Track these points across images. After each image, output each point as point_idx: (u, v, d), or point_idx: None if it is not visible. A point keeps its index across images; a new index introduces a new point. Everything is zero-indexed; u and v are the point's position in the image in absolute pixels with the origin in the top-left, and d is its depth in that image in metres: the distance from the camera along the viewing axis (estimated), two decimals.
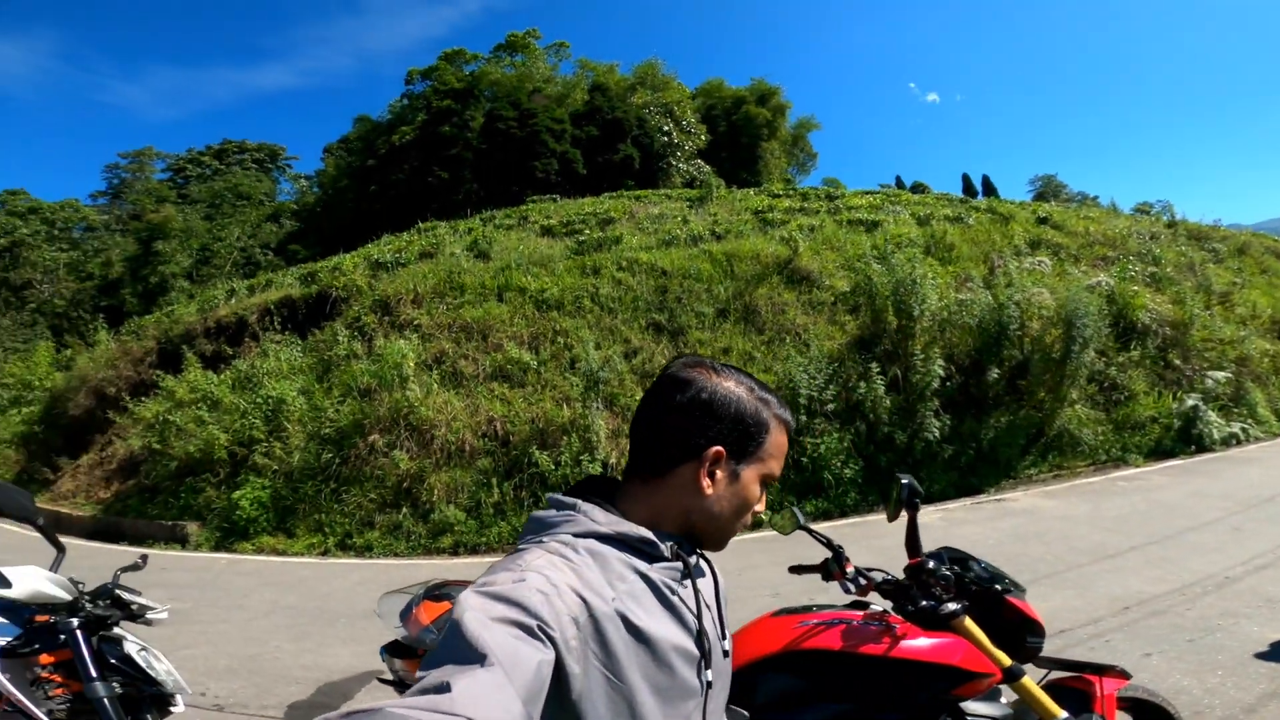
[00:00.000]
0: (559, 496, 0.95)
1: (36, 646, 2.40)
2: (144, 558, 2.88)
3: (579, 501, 0.92)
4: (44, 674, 2.39)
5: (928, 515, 7.78)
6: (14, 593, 2.29)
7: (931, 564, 1.84)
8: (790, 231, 12.84)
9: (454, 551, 8.11)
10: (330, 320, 11.88)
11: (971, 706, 1.75)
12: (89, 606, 2.39)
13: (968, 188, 46.02)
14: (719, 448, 0.93)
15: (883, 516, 8.33)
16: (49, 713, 2.31)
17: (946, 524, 7.42)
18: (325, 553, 8.58)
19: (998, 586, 1.88)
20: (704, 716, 0.92)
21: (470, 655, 0.63)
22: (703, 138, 31.48)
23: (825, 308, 10.97)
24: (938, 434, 8.88)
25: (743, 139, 34.86)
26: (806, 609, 1.88)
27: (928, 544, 1.98)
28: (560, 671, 0.72)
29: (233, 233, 26.21)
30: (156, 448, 11.07)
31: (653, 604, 0.87)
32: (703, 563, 1.04)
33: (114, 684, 2.32)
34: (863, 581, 1.86)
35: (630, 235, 13.84)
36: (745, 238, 13.15)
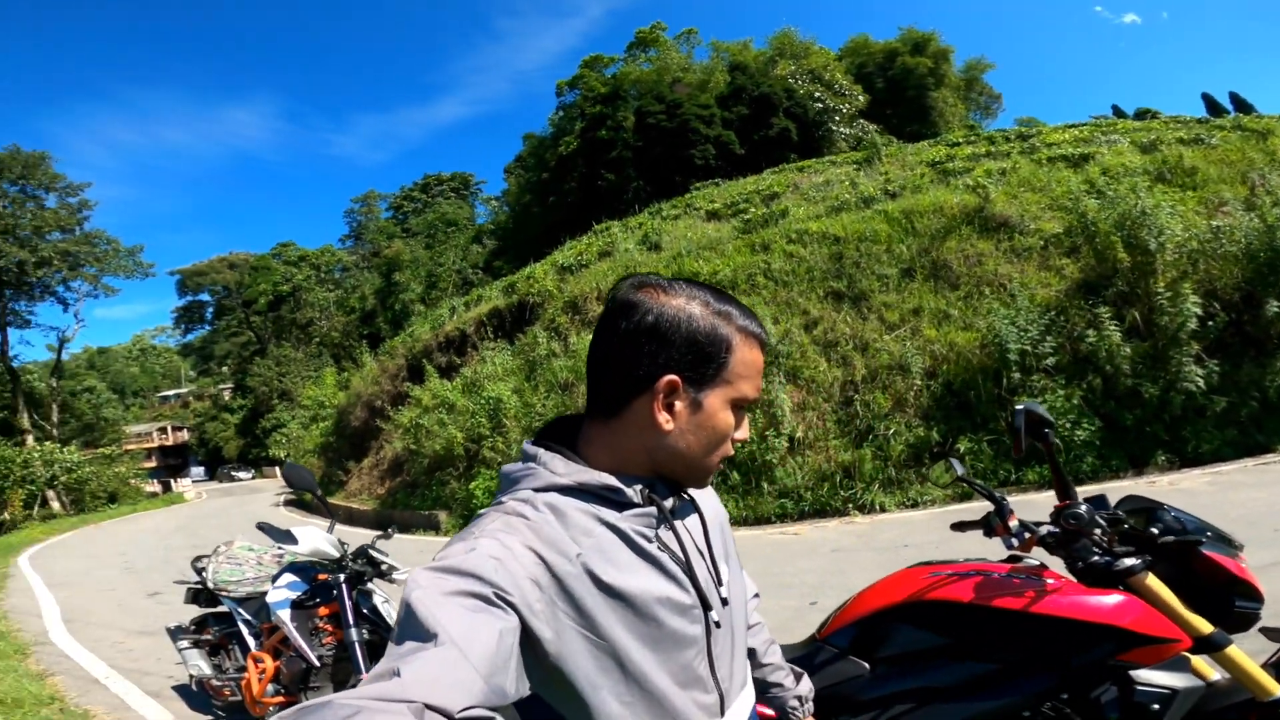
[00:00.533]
0: (526, 446, 0.88)
1: (318, 600, 3.09)
2: (392, 529, 3.53)
3: (540, 452, 0.85)
4: (320, 624, 3.06)
5: (1192, 479, 6.54)
6: (300, 548, 2.99)
7: (1083, 509, 1.58)
8: (976, 178, 11.53)
9: None
10: (530, 325, 13.25)
11: (1144, 675, 1.50)
12: (351, 564, 3.03)
13: (1212, 107, 37.31)
14: (671, 376, 0.81)
15: (1130, 482, 7.23)
16: (319, 657, 2.96)
17: (1215, 488, 6.17)
18: None
19: (1193, 539, 1.55)
20: (710, 662, 0.87)
21: (422, 635, 0.61)
22: (860, 98, 29.63)
23: (1033, 254, 9.68)
24: (1202, 383, 7.39)
25: (907, 92, 32.34)
26: (950, 561, 1.72)
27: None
28: (529, 636, 0.70)
29: (449, 257, 30.23)
30: (412, 448, 13.26)
31: (626, 556, 0.80)
32: (691, 501, 0.95)
33: (364, 631, 2.91)
34: (1026, 535, 1.62)
35: (796, 207, 13.57)
36: (924, 192, 12.14)
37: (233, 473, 44.14)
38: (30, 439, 28.17)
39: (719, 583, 0.92)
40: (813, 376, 9.13)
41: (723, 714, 0.89)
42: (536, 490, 0.81)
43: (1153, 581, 1.50)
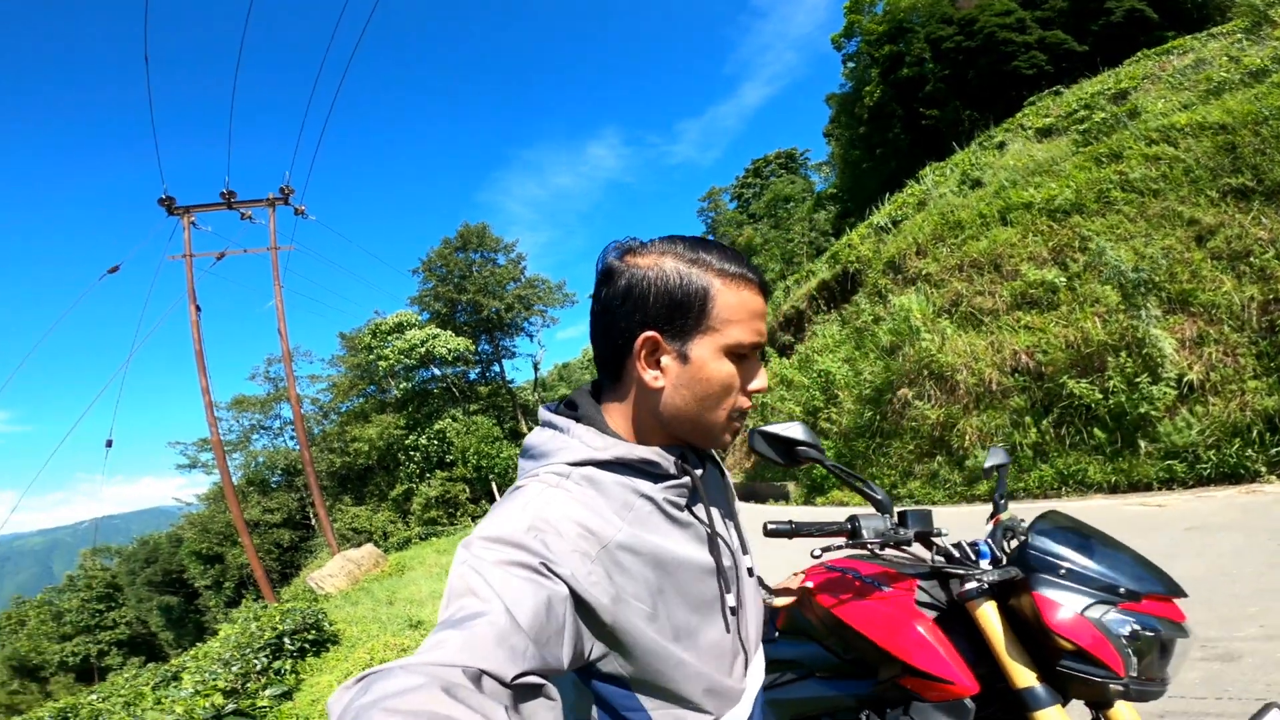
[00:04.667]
0: (550, 416, 0.87)
1: None
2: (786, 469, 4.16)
3: (571, 424, 0.84)
4: None
5: None
6: None
7: (943, 535, 1.42)
8: None
9: (988, 498, 7.66)
10: (853, 293, 12.89)
11: (920, 709, 1.35)
12: None
13: None
14: (648, 333, 0.80)
15: None
16: None
17: None
18: None
19: (1009, 576, 1.29)
20: (739, 625, 0.88)
21: (474, 603, 0.60)
22: None
23: None
24: None
25: None
26: (859, 557, 1.64)
27: None
28: (583, 606, 0.69)
29: (796, 230, 30.68)
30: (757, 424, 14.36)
31: (665, 526, 0.81)
32: (719, 471, 0.97)
33: None
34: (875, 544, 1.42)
35: (1152, 102, 10.29)
36: None
37: None
38: None
39: (745, 551, 0.95)
40: (1212, 300, 6.84)
41: (745, 673, 0.90)
42: (572, 464, 0.80)
43: (983, 612, 1.32)
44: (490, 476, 31.36)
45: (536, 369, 43.35)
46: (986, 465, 1.81)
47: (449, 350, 32.91)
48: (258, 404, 37.69)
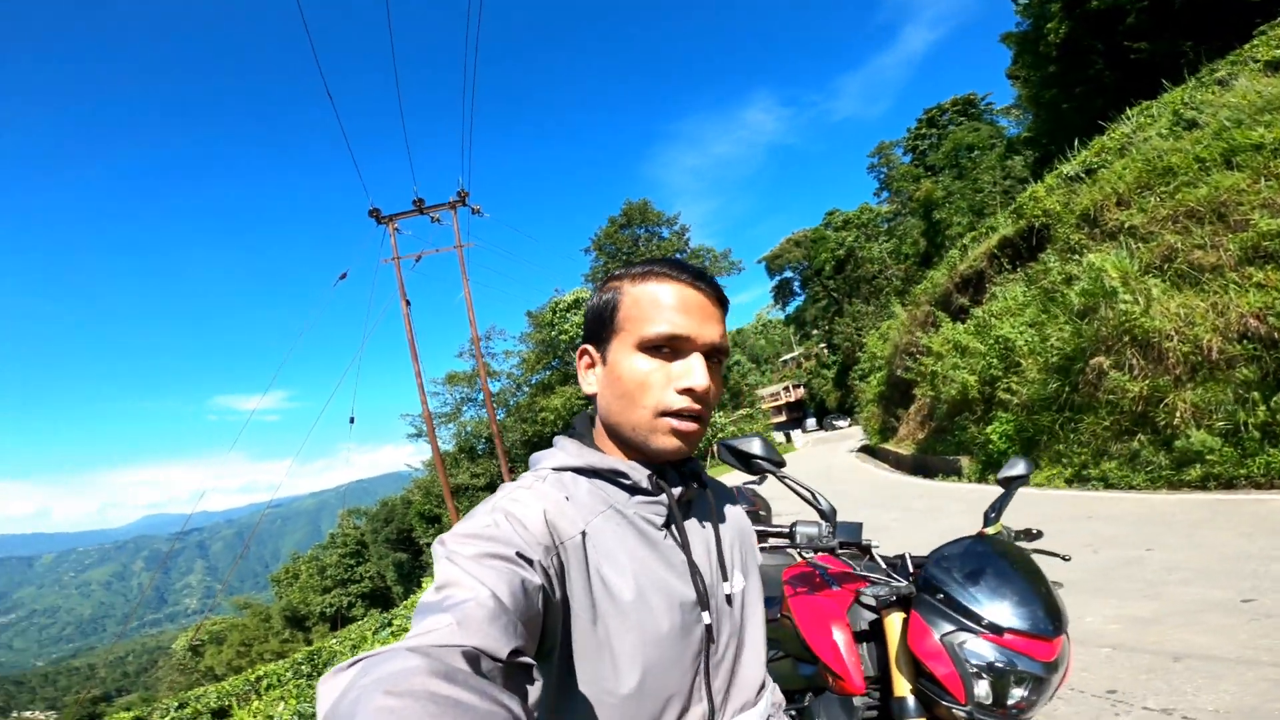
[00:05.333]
0: (554, 438, 0.92)
1: None
2: (763, 477, 4.24)
3: (561, 439, 0.89)
4: None
5: None
6: None
7: (873, 545, 1.52)
8: None
9: (1203, 484, 6.62)
10: (1040, 250, 11.41)
11: (820, 702, 1.51)
12: None
13: None
14: (582, 346, 0.88)
15: None
16: None
17: None
18: (1071, 482, 8.51)
19: (929, 598, 1.34)
20: (706, 670, 0.82)
21: (460, 590, 0.60)
22: None
23: None
24: None
25: None
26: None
27: None
28: (548, 597, 0.69)
29: (986, 179, 27.29)
30: (930, 395, 13.38)
31: (630, 541, 0.80)
32: (707, 496, 0.94)
33: None
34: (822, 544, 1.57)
35: None
36: None
37: (833, 421, 51.18)
38: None
39: (725, 579, 0.89)
40: None
41: None
42: (554, 469, 0.84)
43: (890, 620, 1.42)
44: None
45: None
46: (1003, 475, 1.77)
47: None
48: (465, 379, 42.61)
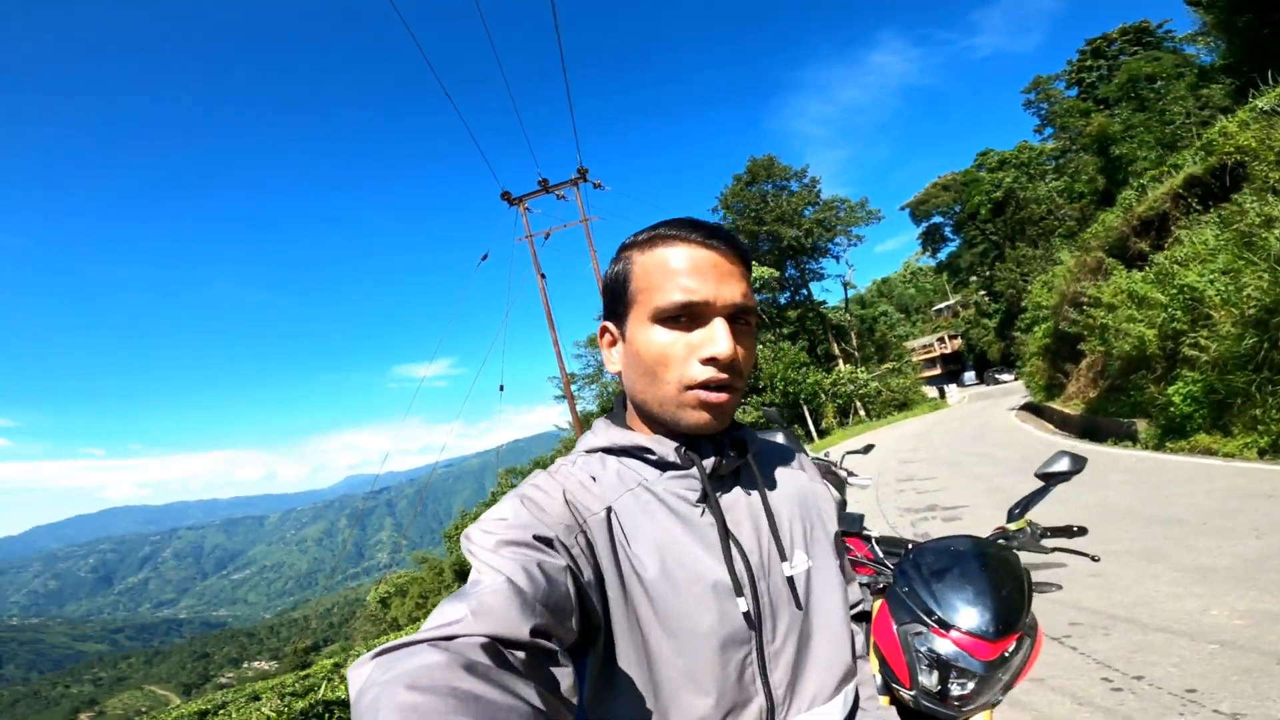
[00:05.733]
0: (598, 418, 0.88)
1: None
2: (869, 447, 3.96)
3: (598, 423, 0.87)
4: None
5: None
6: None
7: (870, 534, 1.61)
8: None
9: None
10: (1234, 190, 9.70)
11: None
12: None
13: None
14: (601, 324, 0.85)
15: None
16: None
17: None
18: (1265, 453, 7.49)
19: (897, 589, 1.45)
20: (761, 661, 0.75)
21: (480, 579, 0.60)
22: None
23: None
24: None
25: None
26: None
27: None
28: (574, 575, 0.67)
29: (1176, 112, 23.08)
30: (1099, 350, 12.02)
31: (660, 516, 0.76)
32: (751, 467, 0.85)
33: None
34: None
35: None
36: None
37: (996, 375, 46.91)
38: (841, 363, 38.63)
39: (784, 558, 0.80)
40: None
41: None
42: (586, 451, 0.83)
43: (877, 604, 1.52)
44: (801, 401, 32.21)
45: (846, 289, 42.02)
46: (1044, 470, 1.70)
47: (755, 279, 34.31)
48: None
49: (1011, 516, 1.73)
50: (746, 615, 0.74)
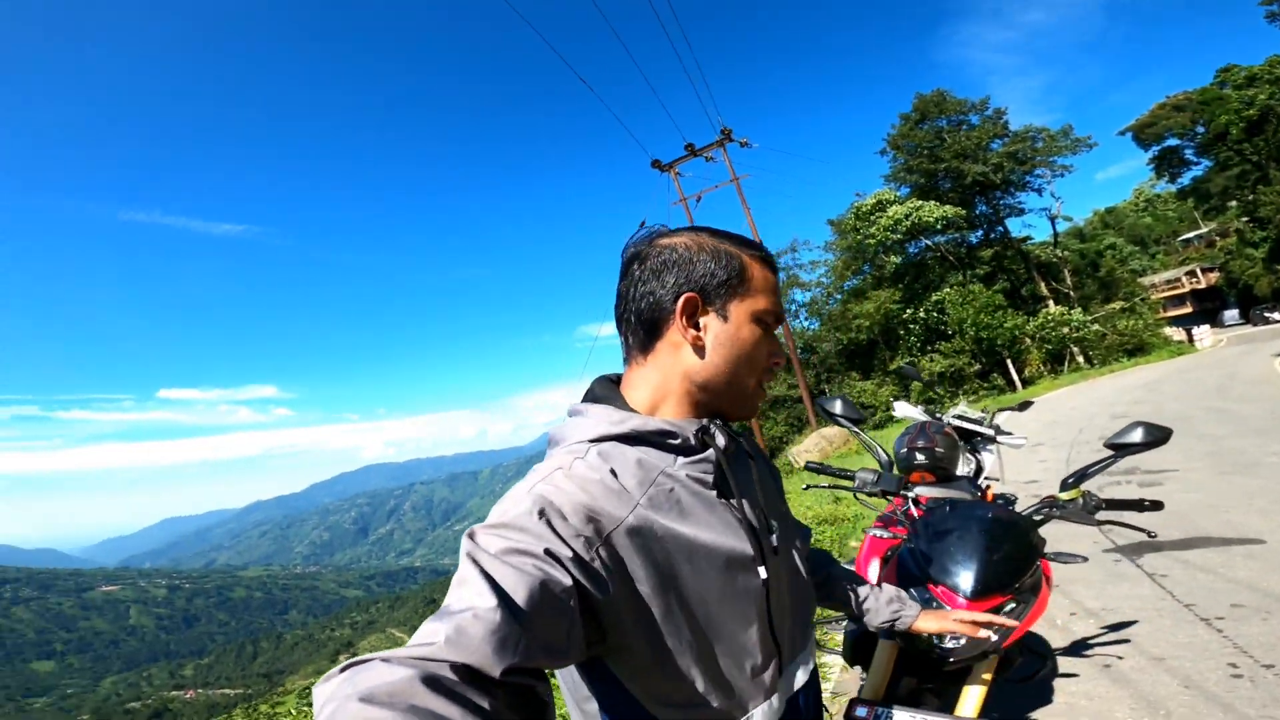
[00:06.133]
0: (573, 406, 0.87)
1: None
2: (1026, 403, 3.59)
3: (588, 407, 0.84)
4: None
5: None
6: (897, 412, 3.38)
7: (909, 492, 1.86)
8: None
9: None
10: None
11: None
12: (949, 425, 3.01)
13: None
14: (690, 293, 0.82)
15: None
16: None
17: None
18: None
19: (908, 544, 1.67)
20: (770, 618, 0.82)
21: (470, 594, 0.58)
22: None
23: None
24: None
25: None
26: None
27: None
28: (585, 595, 0.66)
29: None
30: None
31: (686, 505, 0.77)
32: (743, 446, 0.93)
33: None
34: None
35: None
36: None
37: (1266, 314, 38.26)
38: (1051, 304, 33.60)
39: (769, 531, 0.88)
40: None
41: (780, 673, 0.85)
42: (591, 441, 0.79)
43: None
44: (998, 348, 28.79)
45: (1054, 222, 36.29)
46: (1114, 440, 1.56)
47: (936, 219, 31.18)
48: None
49: (1065, 486, 1.66)
50: (765, 582, 0.82)
